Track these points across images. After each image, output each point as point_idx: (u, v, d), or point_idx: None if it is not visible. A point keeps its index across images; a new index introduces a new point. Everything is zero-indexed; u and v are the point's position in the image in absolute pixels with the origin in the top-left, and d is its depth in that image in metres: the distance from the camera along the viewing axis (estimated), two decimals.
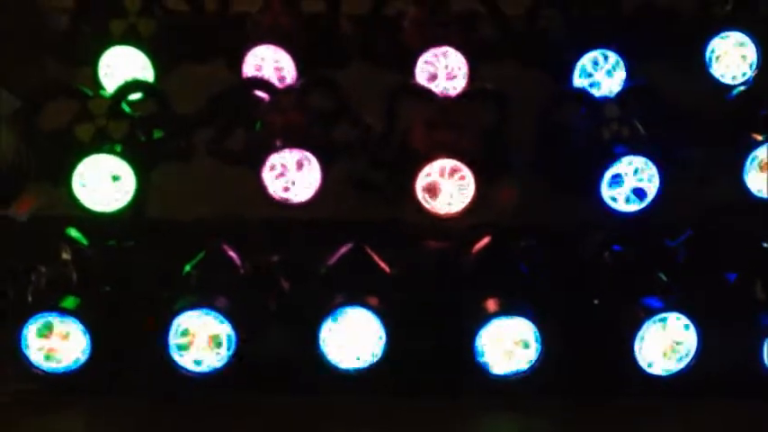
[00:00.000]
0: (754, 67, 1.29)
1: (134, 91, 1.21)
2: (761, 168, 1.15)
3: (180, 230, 1.19)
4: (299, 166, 1.16)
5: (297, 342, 1.06)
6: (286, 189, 1.17)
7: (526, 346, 1.04)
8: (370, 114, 1.23)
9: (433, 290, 1.10)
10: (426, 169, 1.14)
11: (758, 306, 1.06)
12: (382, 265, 1.10)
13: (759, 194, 1.15)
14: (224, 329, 1.03)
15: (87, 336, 1.04)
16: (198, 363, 1.04)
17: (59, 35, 1.37)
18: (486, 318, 1.02)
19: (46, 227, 1.18)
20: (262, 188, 1.16)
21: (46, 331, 1.04)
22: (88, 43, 1.32)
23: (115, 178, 1.14)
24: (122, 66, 1.29)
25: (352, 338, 1.04)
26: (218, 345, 1.04)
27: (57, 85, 1.22)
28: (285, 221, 1.19)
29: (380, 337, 1.04)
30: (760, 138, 1.16)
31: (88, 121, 1.17)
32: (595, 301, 1.08)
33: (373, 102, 1.23)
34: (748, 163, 1.15)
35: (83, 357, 1.04)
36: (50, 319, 1.03)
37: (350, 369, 1.04)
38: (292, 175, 1.16)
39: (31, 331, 1.03)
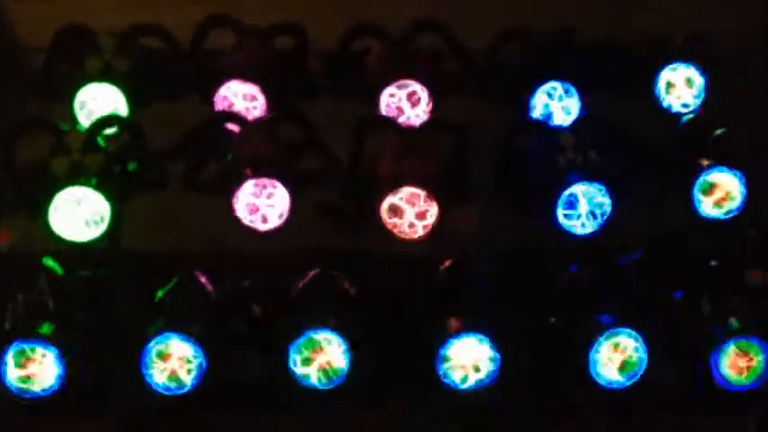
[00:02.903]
0: (702, 96, 1.36)
1: (109, 125, 1.26)
2: (707, 192, 1.21)
3: (154, 258, 1.23)
4: (269, 194, 1.21)
5: (268, 363, 1.10)
6: (256, 217, 1.21)
7: (486, 362, 1.09)
8: (337, 146, 1.28)
9: (398, 311, 1.14)
10: (392, 196, 1.19)
11: (705, 320, 1.12)
12: (349, 288, 1.14)
13: (706, 215, 1.21)
14: (195, 352, 1.07)
15: (61, 361, 1.07)
16: (171, 384, 1.08)
17: (37, 73, 1.41)
18: (447, 336, 1.07)
19: (24, 257, 1.22)
20: (233, 216, 1.21)
21: (23, 357, 1.07)
22: (65, 80, 1.37)
23: (90, 210, 1.18)
24: (98, 102, 1.32)
25: (322, 358, 1.08)
26: (190, 367, 1.07)
27: (33, 120, 1.26)
28: (256, 248, 1.24)
29: (346, 356, 1.08)
30: (707, 163, 1.22)
31: (64, 154, 1.21)
32: (552, 320, 1.13)
33: (340, 134, 1.28)
34: (696, 186, 1.21)
35: (58, 381, 1.07)
36: (27, 345, 1.07)
37: (319, 387, 1.09)
38: (262, 204, 1.21)
39: (9, 358, 1.07)
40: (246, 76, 1.34)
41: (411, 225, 1.20)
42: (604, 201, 1.19)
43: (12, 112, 1.38)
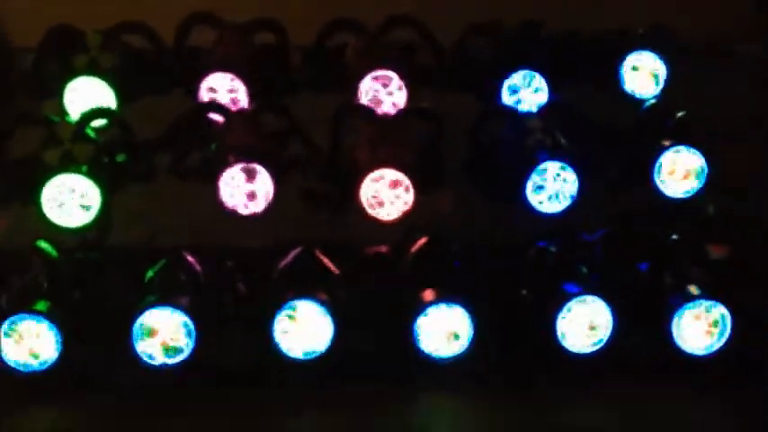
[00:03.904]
0: (663, 82, 1.43)
1: (97, 117, 1.30)
2: (668, 170, 1.28)
3: (142, 244, 1.29)
4: (252, 180, 1.26)
5: (254, 337, 1.16)
6: (241, 202, 1.26)
7: (461, 333, 1.14)
8: (318, 138, 1.34)
9: (377, 286, 1.20)
10: (369, 178, 1.25)
11: (668, 291, 1.18)
12: (330, 266, 1.20)
13: (667, 194, 1.28)
14: (186, 325, 1.13)
15: (58, 336, 1.12)
16: (162, 357, 1.13)
17: (27, 72, 1.46)
18: (422, 306, 1.13)
19: (16, 245, 1.27)
20: (218, 201, 1.26)
21: (19, 332, 1.12)
22: (54, 78, 1.41)
23: (82, 196, 1.23)
24: (86, 95, 1.37)
25: (303, 330, 1.14)
26: (181, 339, 1.13)
27: (25, 115, 1.32)
28: (240, 233, 1.29)
29: (329, 329, 1.14)
30: (668, 143, 1.29)
31: (55, 145, 1.26)
32: (523, 292, 1.19)
33: (320, 124, 1.34)
34: (657, 165, 1.27)
35: (55, 356, 1.13)
36: (23, 320, 1.12)
37: (301, 358, 1.14)
38: (246, 189, 1.26)
39: (5, 333, 1.12)
40: (228, 70, 1.39)
41: (387, 207, 1.25)
42: (572, 180, 1.25)
43: (4, 109, 1.43)
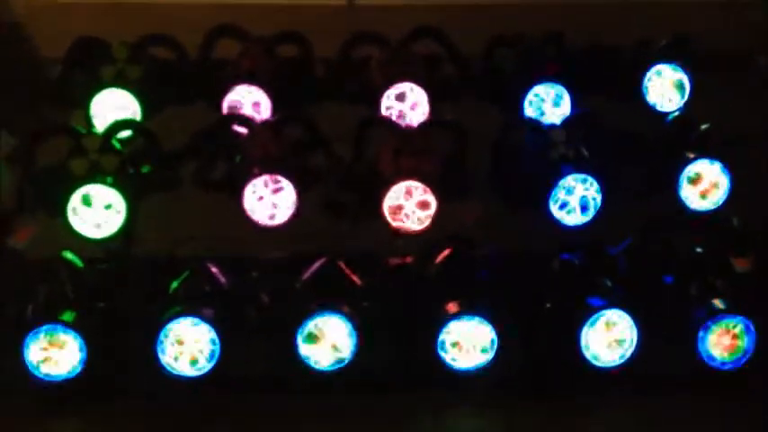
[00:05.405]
0: (687, 94, 1.42)
1: (123, 128, 1.32)
2: (693, 182, 1.28)
3: (166, 253, 1.30)
4: (276, 191, 1.27)
5: (277, 348, 1.16)
6: (264, 213, 1.27)
7: (485, 345, 1.14)
8: (341, 149, 1.34)
9: (401, 297, 1.20)
10: (392, 191, 1.25)
11: (693, 303, 1.18)
12: (354, 277, 1.20)
13: (692, 206, 1.27)
14: (210, 335, 1.13)
15: (83, 346, 1.13)
16: (187, 367, 1.14)
17: (54, 82, 1.48)
18: (446, 319, 1.13)
19: (43, 254, 1.28)
20: (242, 212, 1.27)
21: (46, 343, 1.13)
22: (81, 89, 1.43)
23: (107, 207, 1.24)
24: (112, 107, 1.39)
25: (327, 342, 1.14)
26: (205, 350, 1.14)
27: (52, 125, 1.33)
28: (264, 243, 1.30)
29: (352, 340, 1.14)
30: (692, 155, 1.28)
31: (82, 156, 1.28)
32: (547, 305, 1.19)
33: (343, 135, 1.34)
34: (682, 177, 1.27)
35: (80, 366, 1.14)
36: (50, 330, 1.13)
37: (324, 369, 1.14)
38: (270, 200, 1.27)
39: (32, 343, 1.13)
40: (253, 82, 1.41)
41: (410, 217, 1.26)
42: (595, 192, 1.25)
43: (31, 119, 1.45)
